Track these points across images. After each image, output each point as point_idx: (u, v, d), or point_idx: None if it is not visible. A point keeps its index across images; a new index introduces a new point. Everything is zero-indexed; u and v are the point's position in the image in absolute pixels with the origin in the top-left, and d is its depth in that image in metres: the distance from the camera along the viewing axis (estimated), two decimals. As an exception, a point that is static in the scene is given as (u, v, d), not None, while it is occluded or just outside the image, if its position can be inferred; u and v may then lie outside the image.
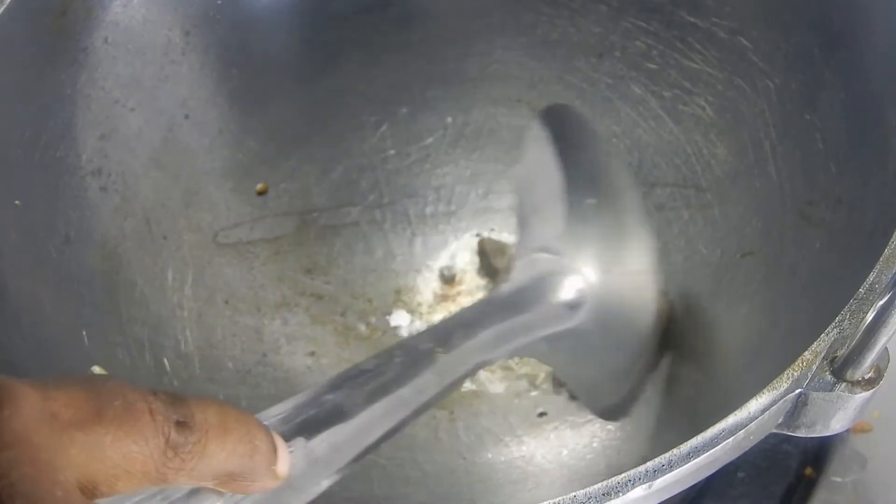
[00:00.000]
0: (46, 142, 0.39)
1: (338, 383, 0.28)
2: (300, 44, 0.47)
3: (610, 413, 0.39)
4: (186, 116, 0.45)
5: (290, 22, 0.47)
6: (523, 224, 0.38)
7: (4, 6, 0.37)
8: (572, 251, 0.36)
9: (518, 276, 0.36)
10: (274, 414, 0.26)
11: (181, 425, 0.20)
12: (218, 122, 0.46)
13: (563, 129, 0.38)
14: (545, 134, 0.38)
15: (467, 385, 0.44)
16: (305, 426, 0.26)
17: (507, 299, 0.35)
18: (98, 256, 0.41)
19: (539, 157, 0.38)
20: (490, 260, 0.46)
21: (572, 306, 0.35)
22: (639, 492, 0.26)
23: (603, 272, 0.36)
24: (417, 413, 0.29)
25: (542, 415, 0.42)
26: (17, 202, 0.38)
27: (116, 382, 0.20)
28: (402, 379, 0.29)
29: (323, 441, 0.26)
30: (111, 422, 0.19)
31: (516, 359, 0.44)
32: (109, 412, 0.19)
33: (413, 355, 0.30)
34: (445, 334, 0.31)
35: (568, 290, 0.35)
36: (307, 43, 0.47)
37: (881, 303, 0.25)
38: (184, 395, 0.21)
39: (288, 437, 0.24)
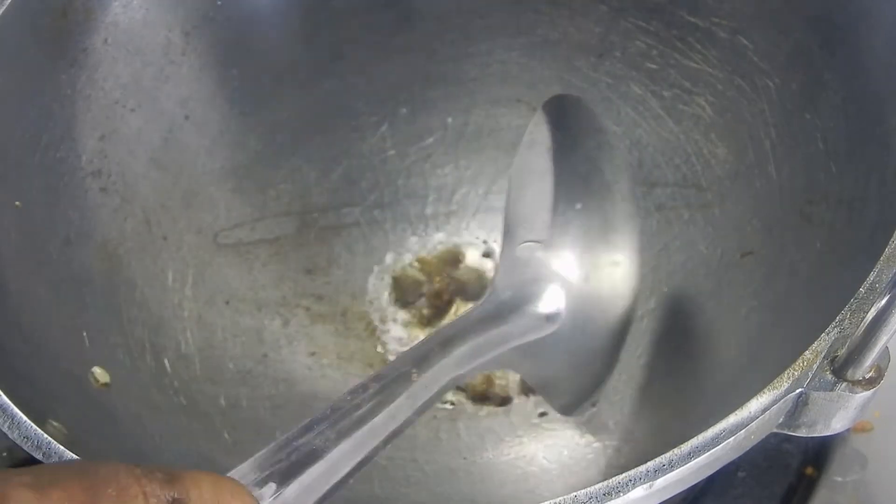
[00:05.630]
0: (46, 143, 0.39)
1: (310, 426, 0.27)
2: (300, 44, 0.47)
3: (569, 408, 0.38)
4: (186, 117, 0.45)
5: (291, 22, 0.47)
6: (509, 229, 0.38)
7: (4, 6, 0.37)
8: (555, 259, 0.36)
9: (500, 285, 0.35)
10: (248, 468, 0.25)
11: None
12: (218, 123, 0.46)
13: (561, 123, 0.38)
14: (543, 129, 0.37)
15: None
16: (278, 473, 0.25)
17: (486, 312, 0.34)
18: (98, 257, 0.41)
19: (531, 157, 0.38)
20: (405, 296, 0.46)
21: (550, 316, 0.35)
22: (639, 492, 0.26)
23: (584, 280, 0.36)
24: (388, 441, 0.29)
25: (542, 415, 0.42)
26: (17, 203, 0.38)
27: (110, 467, 0.20)
28: (375, 409, 0.28)
29: (295, 485, 0.25)
30: None
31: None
32: (104, 502, 0.19)
33: (387, 383, 0.29)
34: (422, 355, 0.30)
35: (548, 300, 0.35)
36: (307, 43, 0.47)
37: (881, 303, 0.25)
38: (179, 471, 0.20)
39: (261, 486, 0.24)
